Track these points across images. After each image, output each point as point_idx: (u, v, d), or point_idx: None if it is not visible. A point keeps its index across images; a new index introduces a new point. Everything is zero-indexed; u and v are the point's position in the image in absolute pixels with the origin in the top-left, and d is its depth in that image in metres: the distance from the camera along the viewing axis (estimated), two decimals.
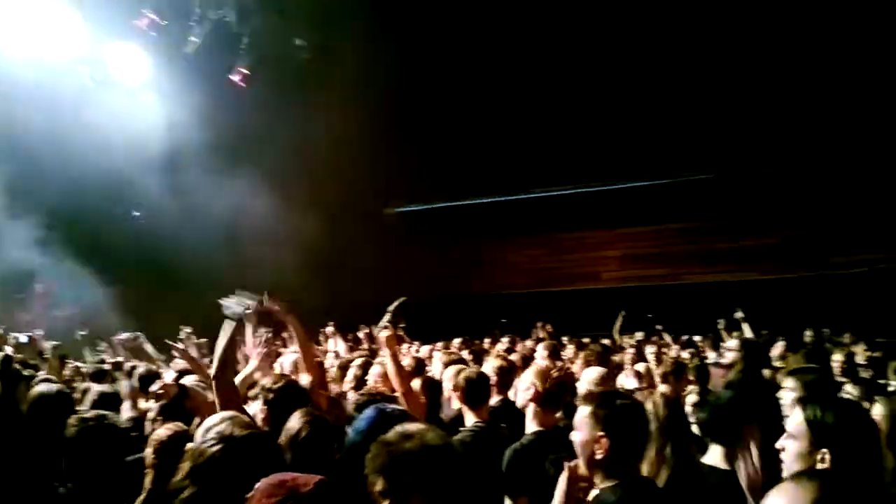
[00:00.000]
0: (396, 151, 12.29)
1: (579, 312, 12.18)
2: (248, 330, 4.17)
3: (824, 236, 13.65)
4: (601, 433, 1.94)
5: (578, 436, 2.01)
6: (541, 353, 5.54)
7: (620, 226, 15.16)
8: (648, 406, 2.35)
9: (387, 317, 4.75)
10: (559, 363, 4.93)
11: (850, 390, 3.37)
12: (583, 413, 2.02)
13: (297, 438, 2.27)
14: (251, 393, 3.28)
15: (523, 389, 2.82)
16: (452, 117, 11.82)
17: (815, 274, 13.31)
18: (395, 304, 4.53)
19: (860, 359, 5.99)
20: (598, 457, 1.94)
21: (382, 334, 4.03)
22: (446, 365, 4.32)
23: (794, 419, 1.84)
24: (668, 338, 9.46)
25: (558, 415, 2.81)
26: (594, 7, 8.53)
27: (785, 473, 1.81)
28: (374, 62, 10.72)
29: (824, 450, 1.70)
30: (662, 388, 4.43)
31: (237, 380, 3.40)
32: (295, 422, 2.33)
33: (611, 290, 14.29)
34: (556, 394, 2.75)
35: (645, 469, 2.19)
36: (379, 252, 14.03)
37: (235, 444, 1.89)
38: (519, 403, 2.91)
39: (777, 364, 5.33)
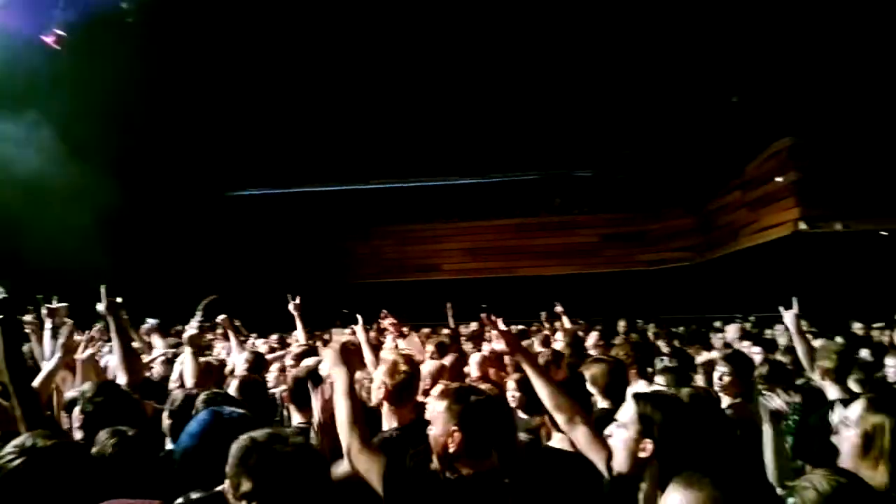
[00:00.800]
0: (234, 130, 11.65)
1: (421, 302, 12.46)
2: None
3: (637, 236, 15.28)
4: (454, 427, 1.98)
5: (433, 430, 2.05)
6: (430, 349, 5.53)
7: (461, 219, 15.74)
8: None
9: (198, 315, 4.52)
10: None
11: (659, 381, 3.75)
12: (438, 408, 2.05)
13: (104, 458, 2.12)
14: (68, 396, 2.95)
15: (375, 388, 2.81)
16: (294, 101, 11.42)
17: (626, 270, 14.89)
18: (205, 301, 4.35)
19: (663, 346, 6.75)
20: (451, 450, 1.98)
21: (188, 333, 3.87)
22: None
23: (626, 410, 1.98)
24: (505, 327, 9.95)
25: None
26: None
27: (615, 460, 1.96)
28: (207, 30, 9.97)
29: (648, 440, 1.86)
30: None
31: (35, 383, 3.05)
32: (101, 443, 2.19)
33: (450, 281, 14.79)
34: (406, 389, 2.77)
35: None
36: (210, 239, 13.25)
37: (39, 456, 1.72)
38: (373, 402, 2.89)
39: (592, 352, 5.77)
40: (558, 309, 8.85)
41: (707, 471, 1.26)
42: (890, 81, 9.03)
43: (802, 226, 10.07)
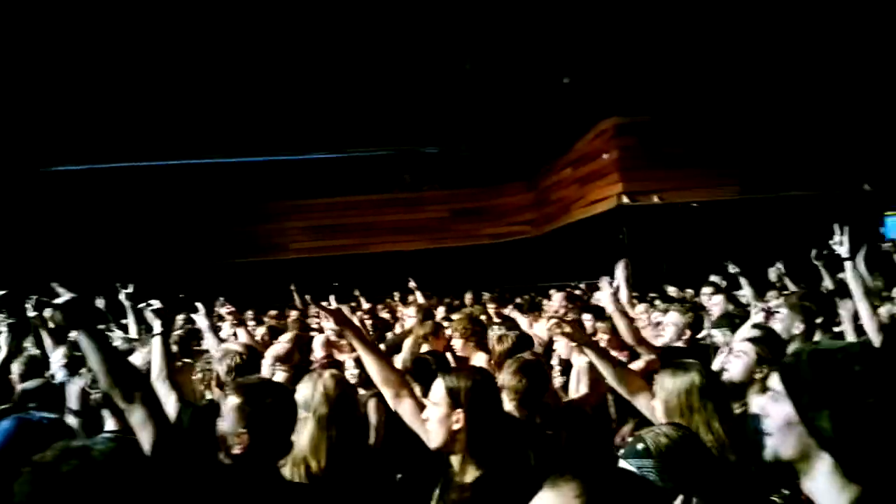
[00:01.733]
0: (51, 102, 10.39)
1: (266, 284, 12.08)
2: None
3: (482, 211, 15.92)
4: (243, 429, 1.88)
5: (224, 425, 1.93)
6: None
7: (306, 196, 15.38)
8: (317, 388, 2.31)
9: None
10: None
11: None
12: (230, 404, 1.93)
13: None
14: None
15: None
16: (124, 70, 10.39)
17: (473, 244, 15.49)
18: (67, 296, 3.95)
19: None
20: (237, 451, 1.88)
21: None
22: None
23: (435, 388, 2.00)
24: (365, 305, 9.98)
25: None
26: None
27: (432, 437, 1.99)
28: None
29: (459, 411, 1.92)
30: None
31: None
32: None
33: (299, 260, 14.47)
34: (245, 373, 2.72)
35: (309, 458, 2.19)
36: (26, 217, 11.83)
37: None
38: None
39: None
40: (412, 285, 9.04)
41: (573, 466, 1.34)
42: (701, 70, 10.15)
43: (625, 199, 11.08)
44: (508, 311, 7.05)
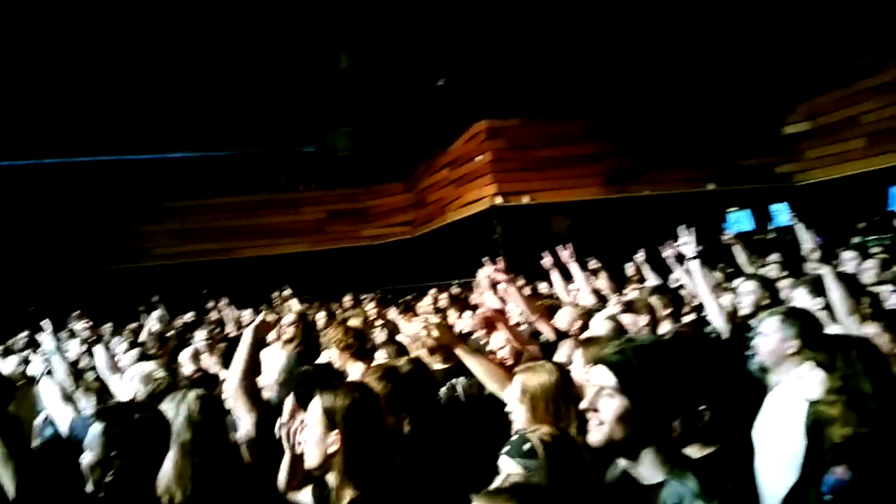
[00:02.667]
0: None
1: (127, 293, 11.20)
2: None
3: (360, 212, 15.77)
4: (113, 454, 1.75)
5: (87, 457, 1.77)
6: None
7: (170, 199, 14.44)
8: (180, 410, 2.11)
9: None
10: None
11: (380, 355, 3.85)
12: (94, 432, 1.79)
13: None
14: None
15: None
16: None
17: (351, 246, 15.32)
18: None
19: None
20: (107, 480, 1.76)
21: None
22: None
23: (311, 409, 1.90)
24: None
25: None
26: None
27: (307, 462, 1.89)
28: None
29: (336, 432, 1.82)
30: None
31: None
32: None
33: (164, 267, 13.55)
34: None
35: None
36: None
37: None
38: None
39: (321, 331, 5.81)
40: (286, 292, 8.77)
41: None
42: (562, 75, 10.70)
43: (498, 200, 11.44)
44: (391, 314, 7.03)
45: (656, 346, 1.46)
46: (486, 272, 4.22)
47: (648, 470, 1.40)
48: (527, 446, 1.66)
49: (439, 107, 12.03)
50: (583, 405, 1.47)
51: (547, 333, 3.90)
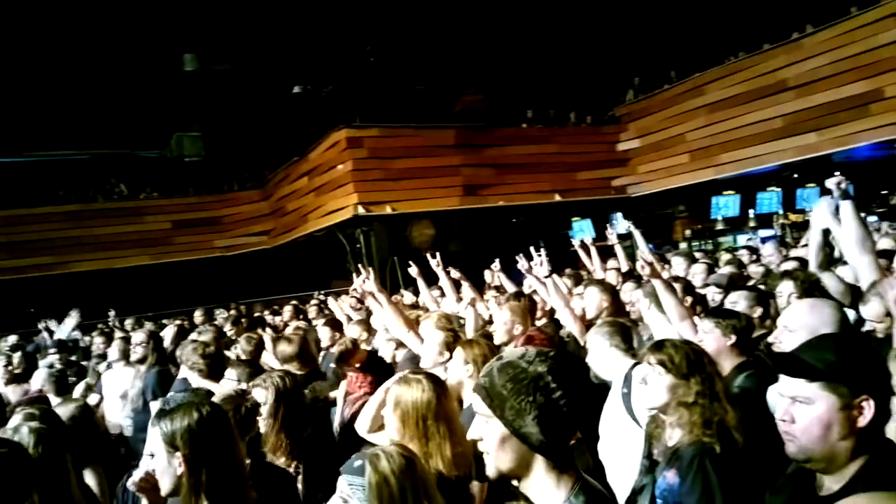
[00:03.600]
0: None
1: None
2: None
3: (212, 221, 14.95)
4: None
5: None
6: None
7: None
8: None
9: None
10: None
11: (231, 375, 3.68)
12: None
13: None
14: None
15: None
16: None
17: (202, 257, 14.49)
18: None
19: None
20: None
21: None
22: None
23: (151, 434, 1.83)
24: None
25: None
26: None
27: (162, 488, 1.81)
28: None
29: (178, 455, 1.76)
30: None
31: None
32: None
33: None
34: None
35: None
36: None
37: None
38: None
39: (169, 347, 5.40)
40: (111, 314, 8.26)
41: None
42: (416, 87, 10.97)
43: (361, 210, 11.42)
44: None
45: (520, 359, 1.36)
46: (359, 283, 4.10)
47: (543, 496, 1.34)
48: (357, 464, 1.64)
49: (296, 113, 11.81)
50: (469, 435, 1.41)
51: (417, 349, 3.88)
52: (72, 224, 13.46)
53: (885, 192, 11.94)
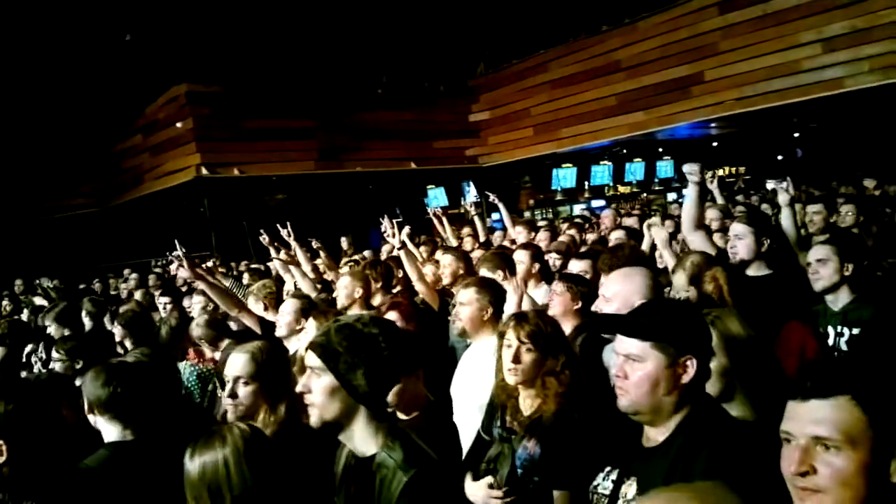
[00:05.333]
0: None
1: None
2: None
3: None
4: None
5: None
6: None
7: None
8: None
9: None
10: None
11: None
12: None
13: None
14: None
15: None
16: None
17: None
18: None
19: None
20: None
21: None
22: None
23: None
24: None
25: None
26: None
27: None
28: None
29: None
30: None
31: None
32: None
33: None
34: None
35: None
36: None
37: None
38: None
39: None
40: None
41: None
42: (277, 43, 10.40)
43: (204, 171, 10.71)
44: None
45: (355, 322, 1.57)
46: (174, 269, 3.95)
47: (362, 443, 1.52)
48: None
49: (128, 64, 10.73)
50: (297, 388, 1.56)
51: (253, 326, 3.85)
52: None
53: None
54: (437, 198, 14.58)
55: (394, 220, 4.41)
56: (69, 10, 8.81)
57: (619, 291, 2.31)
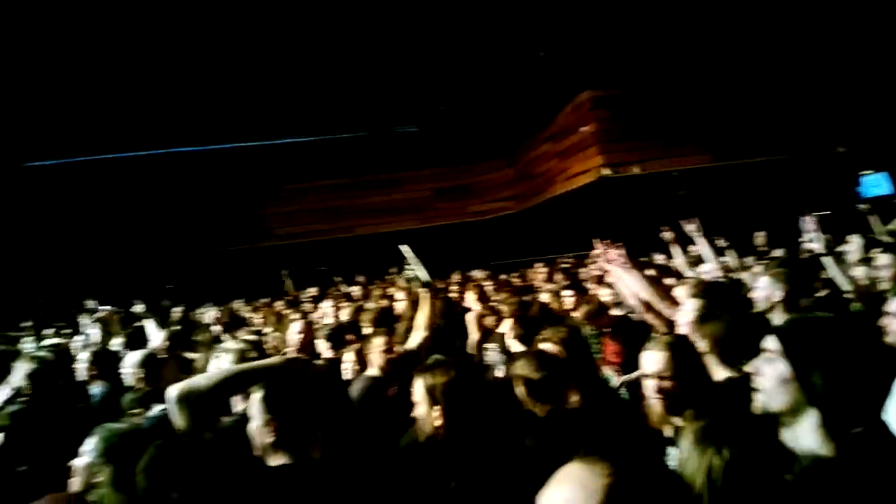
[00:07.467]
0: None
1: (252, 271, 12.07)
2: None
3: (465, 188, 15.92)
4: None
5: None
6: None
7: (290, 181, 15.26)
8: None
9: None
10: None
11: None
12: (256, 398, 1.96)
13: None
14: None
15: None
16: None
17: (458, 221, 15.51)
18: None
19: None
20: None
21: None
22: None
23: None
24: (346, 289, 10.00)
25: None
26: None
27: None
28: None
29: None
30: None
31: None
32: None
33: (283, 246, 14.42)
34: None
35: None
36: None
37: None
38: None
39: None
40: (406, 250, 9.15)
41: None
42: (672, 42, 10.21)
43: (606, 171, 11.16)
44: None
45: (827, 321, 1.50)
46: (600, 251, 3.75)
47: (808, 437, 1.40)
48: None
49: (540, 79, 11.83)
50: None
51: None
52: (350, 193, 15.48)
53: None
54: (878, 184, 12.11)
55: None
56: (491, 31, 10.13)
57: None
